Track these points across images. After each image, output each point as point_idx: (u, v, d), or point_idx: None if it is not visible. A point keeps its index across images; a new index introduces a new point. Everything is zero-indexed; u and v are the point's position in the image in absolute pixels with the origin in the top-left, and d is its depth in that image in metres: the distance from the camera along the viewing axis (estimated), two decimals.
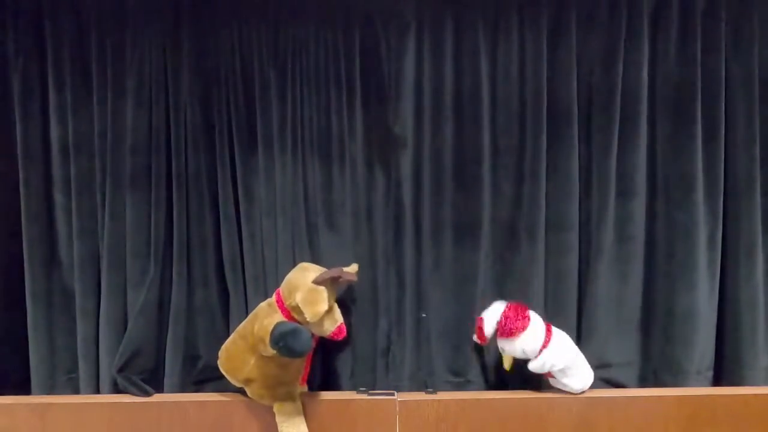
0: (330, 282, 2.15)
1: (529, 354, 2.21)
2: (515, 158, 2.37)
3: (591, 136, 2.38)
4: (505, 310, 2.22)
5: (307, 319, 2.10)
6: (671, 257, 2.37)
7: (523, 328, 2.20)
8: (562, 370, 2.23)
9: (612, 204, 2.37)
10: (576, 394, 2.27)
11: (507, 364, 2.28)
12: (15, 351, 2.40)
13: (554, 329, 2.26)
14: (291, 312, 2.15)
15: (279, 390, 2.18)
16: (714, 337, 2.40)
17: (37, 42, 2.36)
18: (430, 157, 2.37)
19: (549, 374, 2.25)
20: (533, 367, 2.22)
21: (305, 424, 2.20)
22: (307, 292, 2.12)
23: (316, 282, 2.13)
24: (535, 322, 2.23)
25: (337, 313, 2.21)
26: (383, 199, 2.39)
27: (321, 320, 2.13)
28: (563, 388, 2.28)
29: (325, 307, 2.11)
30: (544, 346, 2.21)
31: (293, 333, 2.05)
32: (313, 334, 2.19)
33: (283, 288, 2.20)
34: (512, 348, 2.22)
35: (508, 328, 2.19)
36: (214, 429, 2.25)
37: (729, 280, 2.39)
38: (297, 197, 2.38)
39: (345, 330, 2.20)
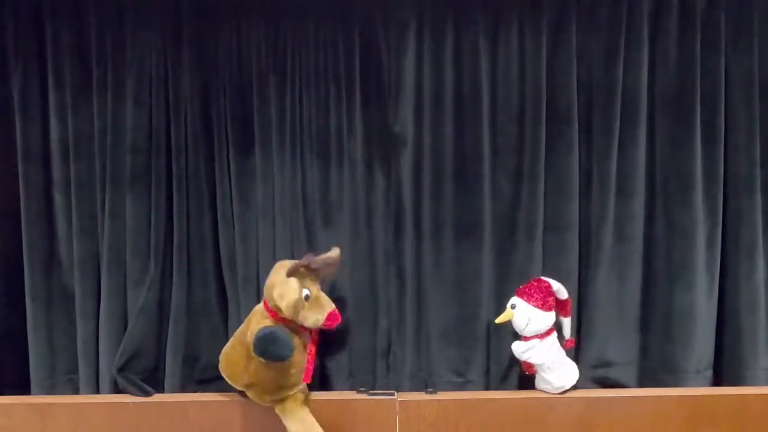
0: (306, 271, 2.13)
1: (527, 330, 2.21)
2: (515, 158, 2.37)
3: (591, 136, 2.38)
4: (548, 284, 2.24)
5: (285, 315, 2.09)
6: (670, 257, 2.37)
7: (549, 308, 2.22)
8: (542, 366, 2.24)
9: (612, 204, 2.37)
10: (555, 393, 2.26)
11: (502, 319, 2.25)
12: (15, 351, 2.40)
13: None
14: (277, 312, 2.13)
15: (280, 393, 2.16)
16: (713, 336, 2.40)
17: (37, 42, 2.35)
18: (430, 157, 2.37)
19: (532, 369, 2.25)
20: (518, 347, 2.23)
21: (311, 415, 2.17)
22: (279, 286, 2.11)
23: (288, 274, 2.11)
24: (553, 315, 2.25)
25: (325, 300, 2.17)
26: (383, 198, 2.39)
27: (305, 312, 2.11)
28: (544, 385, 2.27)
29: (294, 296, 2.07)
30: (541, 336, 2.22)
31: (271, 337, 2.04)
32: (311, 330, 2.18)
33: (265, 291, 2.19)
34: (523, 311, 2.21)
35: (542, 297, 2.21)
36: (214, 429, 2.25)
37: (729, 280, 2.39)
38: (296, 197, 2.38)
39: (338, 316, 2.17)
